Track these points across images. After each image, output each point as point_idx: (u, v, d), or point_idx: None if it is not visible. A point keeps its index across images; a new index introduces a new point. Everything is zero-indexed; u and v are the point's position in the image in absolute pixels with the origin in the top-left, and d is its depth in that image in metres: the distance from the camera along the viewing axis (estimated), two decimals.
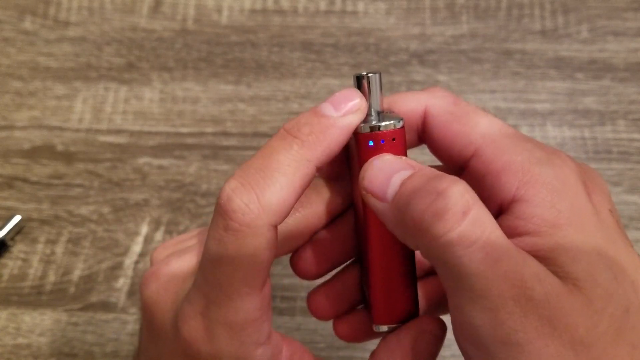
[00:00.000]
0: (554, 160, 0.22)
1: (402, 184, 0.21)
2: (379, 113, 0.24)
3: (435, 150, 0.25)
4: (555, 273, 0.20)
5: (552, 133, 0.47)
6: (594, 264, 0.20)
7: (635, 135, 0.46)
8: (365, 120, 0.23)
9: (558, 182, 0.22)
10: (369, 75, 0.23)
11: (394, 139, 0.23)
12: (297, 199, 0.22)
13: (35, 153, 0.47)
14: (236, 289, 0.21)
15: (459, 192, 0.19)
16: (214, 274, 0.22)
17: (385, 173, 0.22)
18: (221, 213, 0.21)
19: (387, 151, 0.23)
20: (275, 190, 0.21)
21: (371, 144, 0.23)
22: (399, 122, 0.23)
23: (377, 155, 0.23)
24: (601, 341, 0.19)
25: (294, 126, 0.22)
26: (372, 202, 0.22)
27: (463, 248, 0.19)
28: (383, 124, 0.23)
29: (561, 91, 0.49)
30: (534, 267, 0.20)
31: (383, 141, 0.23)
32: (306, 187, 0.22)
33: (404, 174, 0.21)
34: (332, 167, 0.26)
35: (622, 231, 0.22)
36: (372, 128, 0.23)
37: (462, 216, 0.19)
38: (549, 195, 0.21)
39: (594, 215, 0.21)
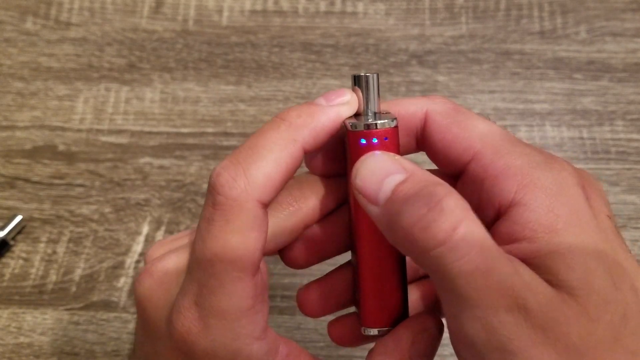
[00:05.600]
0: (552, 164, 0.22)
1: (394, 190, 0.21)
2: (375, 113, 0.24)
3: (434, 155, 0.25)
4: (549, 281, 0.20)
5: (551, 133, 0.47)
6: (590, 271, 0.20)
7: (634, 136, 0.47)
8: (361, 119, 0.23)
9: (557, 186, 0.21)
10: (367, 75, 0.24)
11: (386, 138, 0.23)
12: (284, 177, 0.23)
13: (36, 153, 0.48)
14: (227, 272, 0.21)
15: (449, 207, 0.19)
16: (205, 255, 0.22)
17: (378, 175, 0.21)
18: (210, 190, 0.22)
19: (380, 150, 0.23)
20: (261, 166, 0.22)
21: (363, 141, 0.23)
22: (392, 121, 0.23)
23: (369, 153, 0.23)
24: (597, 349, 0.19)
25: (284, 112, 0.23)
26: (364, 202, 0.22)
27: (452, 262, 0.19)
28: (376, 122, 0.23)
29: (560, 91, 0.49)
30: (526, 277, 0.20)
31: (375, 140, 0.23)
32: (293, 166, 0.23)
33: (397, 178, 0.21)
34: (328, 164, 0.26)
35: (620, 237, 0.22)
36: (365, 126, 0.23)
37: (452, 231, 0.19)
38: (548, 200, 0.21)
39: (593, 219, 0.21)
